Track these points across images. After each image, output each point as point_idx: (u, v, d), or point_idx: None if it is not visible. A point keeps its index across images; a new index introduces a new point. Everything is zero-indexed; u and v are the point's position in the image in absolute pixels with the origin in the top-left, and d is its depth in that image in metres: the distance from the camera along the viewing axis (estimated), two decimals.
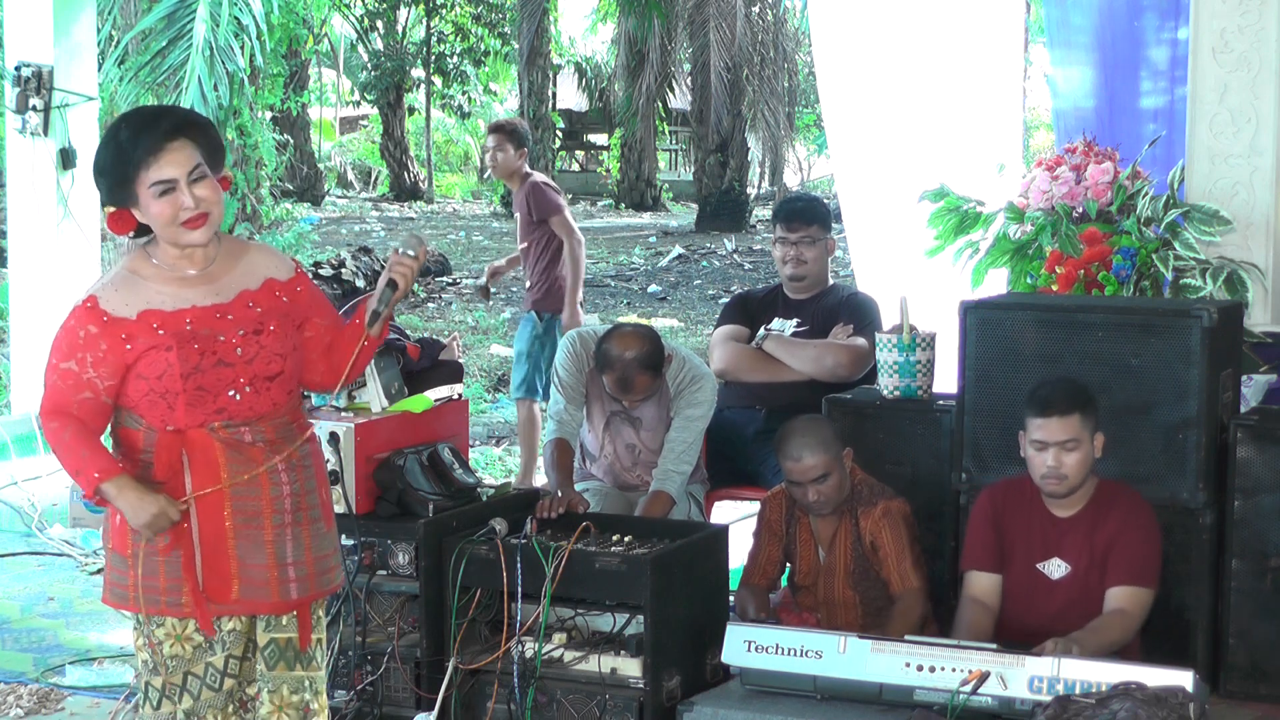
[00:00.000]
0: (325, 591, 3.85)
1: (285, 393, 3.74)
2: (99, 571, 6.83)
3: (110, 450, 3.69)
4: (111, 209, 3.68)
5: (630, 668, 4.58)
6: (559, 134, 32.00)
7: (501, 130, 8.23)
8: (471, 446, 6.49)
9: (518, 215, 8.18)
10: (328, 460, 4.66)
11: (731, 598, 5.06)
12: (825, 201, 6.58)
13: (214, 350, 3.63)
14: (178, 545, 3.66)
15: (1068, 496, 4.58)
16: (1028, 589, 4.63)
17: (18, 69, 8.74)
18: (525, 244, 8.08)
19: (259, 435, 3.69)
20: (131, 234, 3.71)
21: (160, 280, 3.68)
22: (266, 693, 3.80)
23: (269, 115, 19.16)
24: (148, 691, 3.78)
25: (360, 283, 16.33)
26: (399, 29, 32.56)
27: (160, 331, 3.62)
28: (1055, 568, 4.62)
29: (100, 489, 3.59)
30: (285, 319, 3.74)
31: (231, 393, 3.65)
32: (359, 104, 36.25)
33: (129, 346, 3.61)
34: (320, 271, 16.00)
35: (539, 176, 8.11)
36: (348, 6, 30.52)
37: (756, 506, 5.28)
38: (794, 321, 6.02)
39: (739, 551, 5.28)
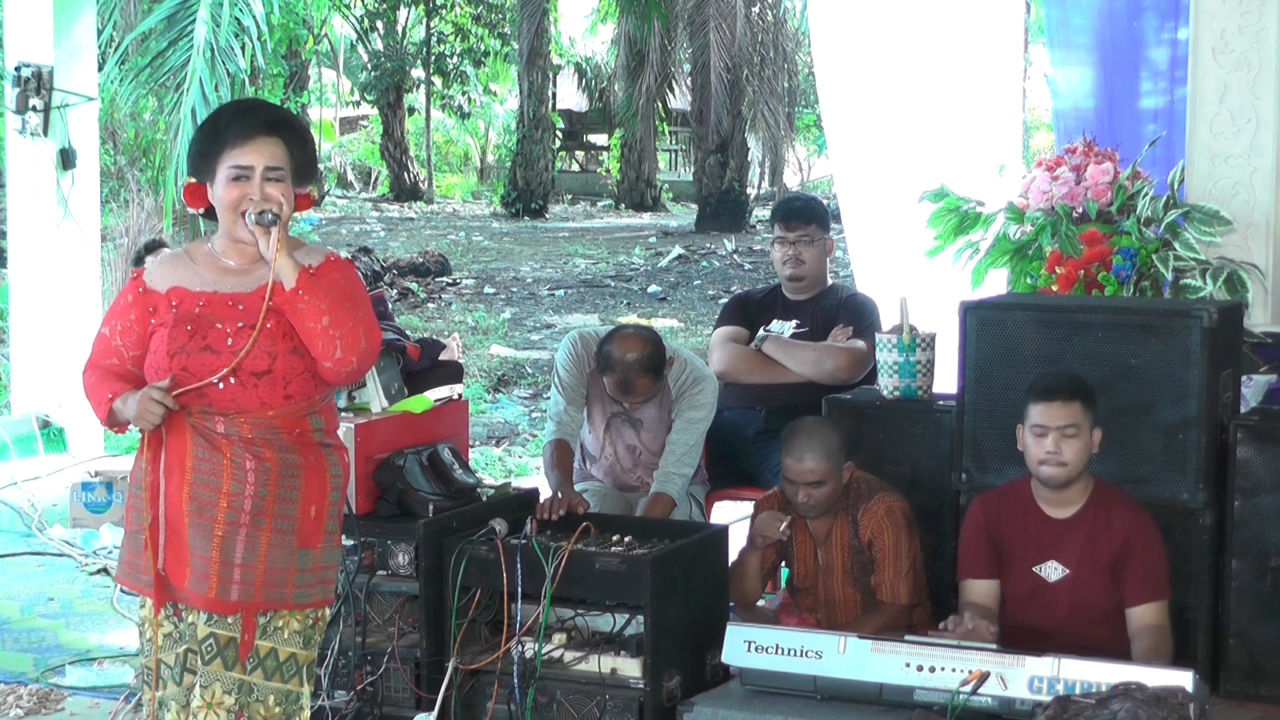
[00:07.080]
0: (275, 605, 3.72)
1: (280, 395, 3.69)
2: (99, 571, 6.85)
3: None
4: (191, 180, 3.79)
5: (630, 668, 4.58)
6: (559, 134, 32.03)
7: None
8: (471, 446, 6.48)
9: None
10: None
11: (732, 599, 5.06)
12: (824, 201, 6.58)
13: (204, 335, 3.67)
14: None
15: (1065, 488, 4.56)
16: (1025, 592, 4.62)
17: (18, 69, 8.73)
18: None
19: (233, 429, 3.67)
20: (201, 211, 3.81)
21: (204, 264, 3.79)
22: (199, 688, 3.71)
23: None
24: (144, 675, 3.81)
25: None
26: (399, 29, 32.54)
27: (174, 309, 3.72)
28: (1052, 570, 4.60)
29: (112, 409, 3.70)
30: (285, 318, 3.71)
31: (215, 380, 3.66)
32: (359, 104, 36.23)
33: (153, 320, 3.73)
34: None
35: None
36: (348, 7, 30.51)
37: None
38: (793, 323, 6.01)
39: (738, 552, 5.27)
